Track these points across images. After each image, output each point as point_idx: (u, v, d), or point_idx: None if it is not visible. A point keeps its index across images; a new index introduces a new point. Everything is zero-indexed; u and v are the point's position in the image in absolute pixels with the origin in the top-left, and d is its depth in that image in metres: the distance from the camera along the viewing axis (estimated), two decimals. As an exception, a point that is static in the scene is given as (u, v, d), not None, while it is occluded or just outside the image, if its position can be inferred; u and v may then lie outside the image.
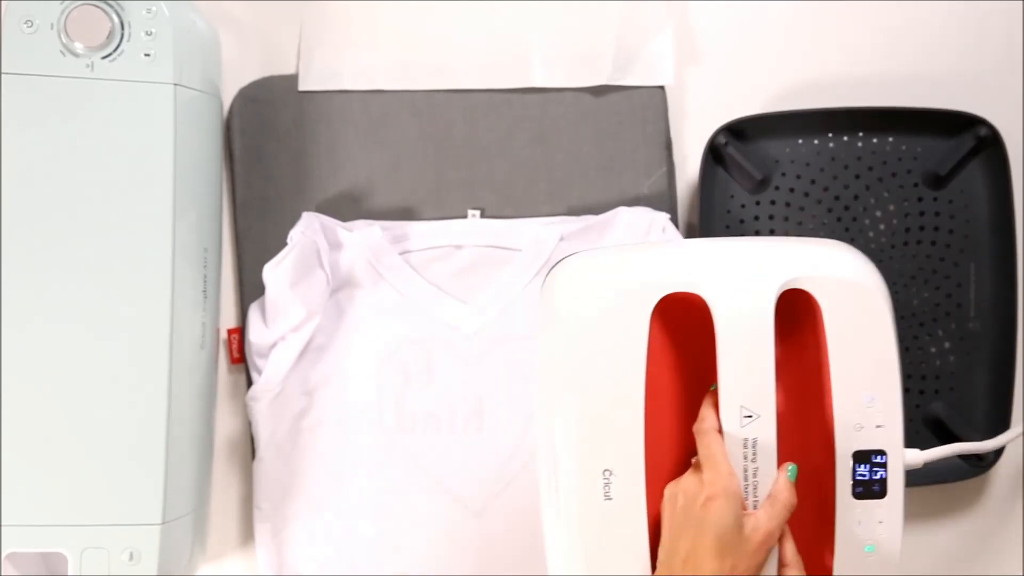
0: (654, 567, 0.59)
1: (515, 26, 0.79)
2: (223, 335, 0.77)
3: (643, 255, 0.62)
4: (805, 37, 0.81)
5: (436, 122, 0.78)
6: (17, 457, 0.66)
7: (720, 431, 0.58)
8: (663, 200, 0.78)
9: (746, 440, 0.58)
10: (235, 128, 0.78)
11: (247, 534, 0.77)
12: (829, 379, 0.59)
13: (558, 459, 0.60)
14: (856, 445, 0.60)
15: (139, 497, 0.67)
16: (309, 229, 0.74)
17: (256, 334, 0.74)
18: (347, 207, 0.78)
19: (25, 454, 0.66)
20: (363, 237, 0.75)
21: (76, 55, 0.68)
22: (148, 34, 0.68)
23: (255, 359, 0.74)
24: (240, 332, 0.77)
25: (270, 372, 0.73)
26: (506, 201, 0.78)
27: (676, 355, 0.63)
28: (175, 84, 0.69)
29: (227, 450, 0.78)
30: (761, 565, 0.57)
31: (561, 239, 0.76)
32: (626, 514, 0.59)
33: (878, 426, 0.59)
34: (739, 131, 0.78)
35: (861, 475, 0.60)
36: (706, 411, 0.59)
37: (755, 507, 0.58)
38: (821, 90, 0.81)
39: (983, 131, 0.76)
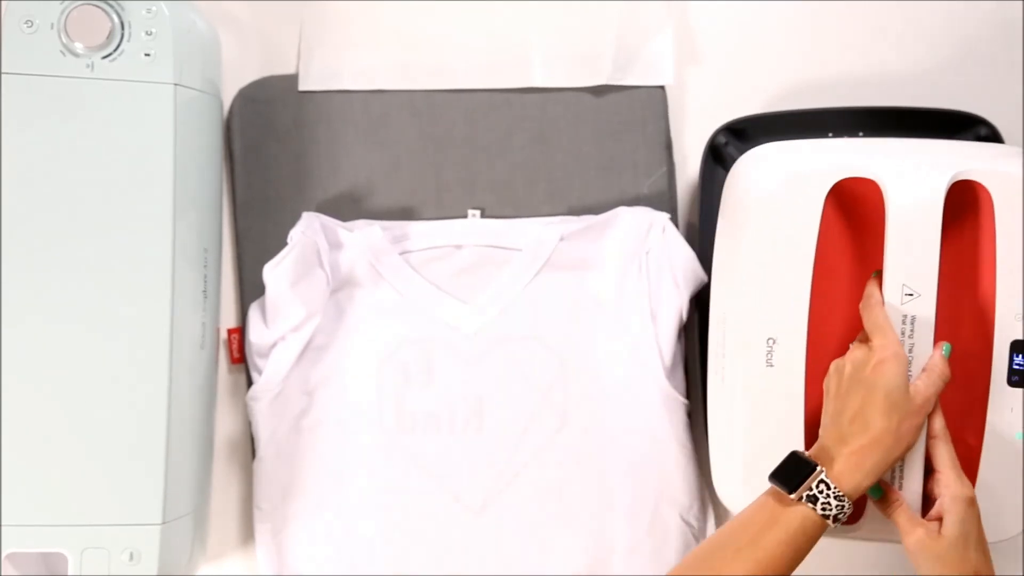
0: (807, 433, 0.63)
1: (515, 26, 0.79)
2: (223, 335, 0.77)
3: (825, 144, 0.67)
4: (805, 37, 0.81)
5: (436, 122, 0.78)
6: (17, 457, 0.66)
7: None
8: (663, 200, 0.78)
9: (905, 316, 0.62)
10: (235, 128, 0.78)
11: (247, 534, 0.77)
12: (994, 269, 0.62)
13: (727, 327, 0.65)
14: (1015, 335, 0.63)
15: (139, 497, 0.67)
16: (309, 229, 0.74)
17: (256, 334, 0.74)
18: (347, 207, 0.77)
19: (25, 454, 0.66)
20: (363, 237, 0.75)
21: (76, 55, 0.68)
22: (148, 34, 0.68)
23: (255, 359, 0.74)
24: (240, 332, 0.77)
25: (270, 372, 0.73)
26: (506, 201, 0.78)
27: (845, 240, 0.67)
28: (175, 84, 0.69)
29: (227, 450, 0.78)
30: (920, 428, 0.60)
31: (561, 239, 0.76)
32: (786, 380, 0.64)
33: None
34: (739, 131, 0.78)
35: (1018, 364, 0.63)
36: (871, 289, 0.62)
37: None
38: (821, 90, 0.81)
39: (983, 131, 0.76)
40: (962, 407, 0.64)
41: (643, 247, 0.75)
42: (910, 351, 0.62)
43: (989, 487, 0.63)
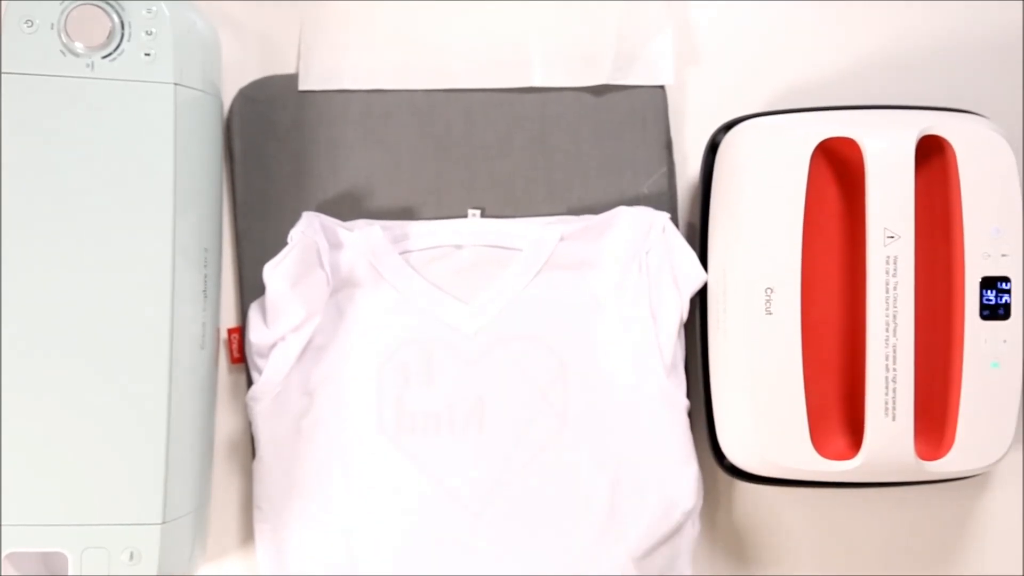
0: (806, 376, 0.69)
1: (515, 26, 0.79)
2: (223, 335, 0.77)
3: (806, 114, 0.74)
4: (805, 37, 0.81)
5: (436, 122, 0.78)
6: (17, 457, 0.66)
7: None
8: (663, 200, 0.78)
9: (888, 257, 0.68)
10: (235, 128, 0.78)
11: (247, 534, 0.77)
12: (960, 214, 0.70)
13: (728, 281, 0.72)
14: (983, 272, 0.70)
15: (139, 497, 0.67)
16: (309, 229, 0.74)
17: (256, 334, 0.74)
18: (347, 207, 0.77)
19: (25, 454, 0.66)
20: (363, 237, 0.75)
21: (76, 55, 0.68)
22: (148, 34, 0.68)
23: (255, 359, 0.74)
24: (240, 332, 0.77)
25: (270, 372, 0.73)
26: (506, 201, 0.78)
27: (830, 194, 0.73)
28: (175, 84, 0.69)
29: (227, 450, 0.78)
30: None
31: (561, 239, 0.76)
32: (784, 326, 0.69)
33: (1003, 255, 0.70)
34: (739, 131, 0.78)
35: (988, 299, 0.69)
36: None
37: (894, 319, 0.68)
38: (821, 90, 0.81)
39: (983, 130, 0.77)
40: (942, 342, 0.71)
41: (643, 247, 0.75)
42: (895, 288, 0.68)
43: (972, 415, 0.70)
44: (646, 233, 0.75)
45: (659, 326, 0.74)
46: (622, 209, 0.76)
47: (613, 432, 0.74)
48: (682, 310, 0.74)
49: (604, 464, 0.74)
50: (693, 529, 0.75)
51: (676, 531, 0.74)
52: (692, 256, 0.75)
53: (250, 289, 0.76)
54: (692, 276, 0.74)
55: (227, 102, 0.78)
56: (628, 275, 0.75)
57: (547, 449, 0.74)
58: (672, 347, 0.74)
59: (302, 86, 0.78)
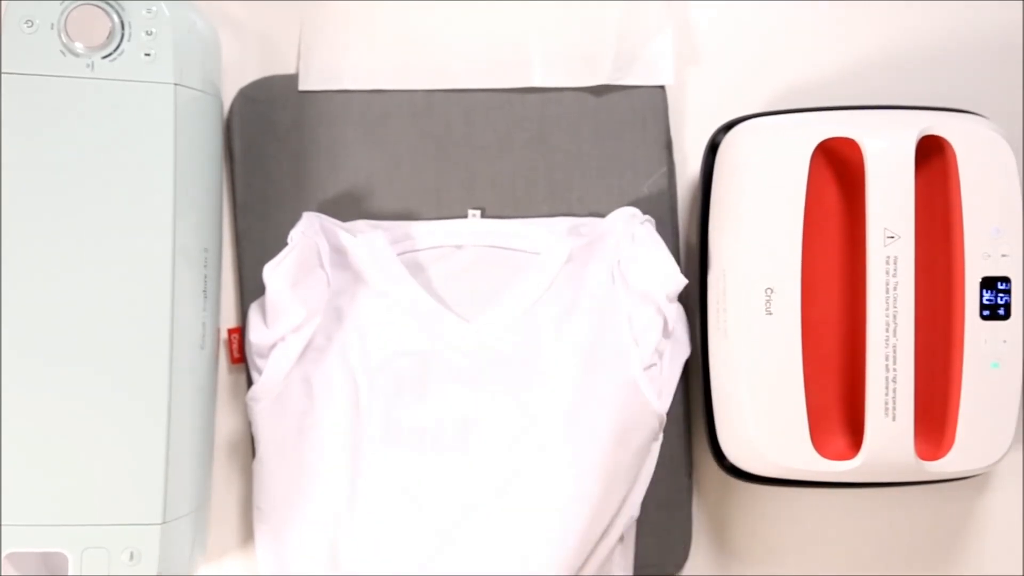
0: (806, 376, 0.69)
1: (515, 26, 0.79)
2: (223, 335, 0.77)
3: (806, 114, 0.74)
4: (805, 37, 0.81)
5: (436, 122, 0.78)
6: (17, 457, 0.66)
7: None
8: (663, 200, 0.78)
9: (888, 257, 0.68)
10: (235, 128, 0.78)
11: (247, 534, 0.77)
12: (961, 214, 0.70)
13: (728, 282, 0.72)
14: (983, 272, 0.70)
15: (139, 497, 0.67)
16: (309, 229, 0.74)
17: (256, 334, 0.73)
18: (347, 207, 0.77)
19: (25, 454, 0.66)
20: (366, 243, 0.74)
21: (76, 55, 0.68)
22: (148, 34, 0.68)
23: (255, 359, 0.74)
24: (240, 332, 0.77)
25: (270, 372, 0.73)
26: (506, 201, 0.78)
27: (830, 194, 0.74)
28: (175, 84, 0.69)
29: (227, 450, 0.78)
30: None
31: (568, 260, 0.75)
32: (784, 326, 0.70)
33: (1003, 255, 0.70)
34: (739, 131, 0.78)
35: (988, 299, 0.69)
36: None
37: (894, 319, 0.68)
38: (820, 90, 0.81)
39: (983, 131, 0.77)
40: (942, 342, 0.71)
41: (619, 254, 0.74)
42: (895, 288, 0.68)
43: (972, 415, 0.70)
44: (629, 240, 0.74)
45: (641, 337, 0.73)
46: (612, 217, 0.76)
47: (595, 451, 0.72)
48: (659, 322, 0.73)
49: (584, 483, 0.71)
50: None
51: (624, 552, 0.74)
52: (668, 259, 0.74)
53: (250, 289, 0.76)
54: (666, 281, 0.73)
55: (227, 102, 0.78)
56: (613, 285, 0.74)
57: (532, 469, 0.72)
58: (651, 358, 0.73)
59: (302, 86, 0.78)
